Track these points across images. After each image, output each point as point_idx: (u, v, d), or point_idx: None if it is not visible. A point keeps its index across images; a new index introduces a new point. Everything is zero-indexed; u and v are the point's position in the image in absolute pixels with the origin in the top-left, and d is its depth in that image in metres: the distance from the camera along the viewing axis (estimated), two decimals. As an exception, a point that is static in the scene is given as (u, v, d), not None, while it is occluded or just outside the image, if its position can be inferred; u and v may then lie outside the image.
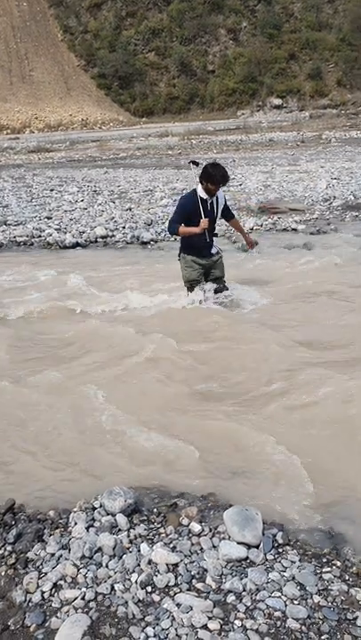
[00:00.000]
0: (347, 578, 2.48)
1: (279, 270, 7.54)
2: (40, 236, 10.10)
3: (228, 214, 5.80)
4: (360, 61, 66.93)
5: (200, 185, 5.32)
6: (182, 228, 5.38)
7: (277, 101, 66.97)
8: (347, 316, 5.69)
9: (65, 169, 22.46)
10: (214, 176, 5.14)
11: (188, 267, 5.72)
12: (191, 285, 5.81)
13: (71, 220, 11.41)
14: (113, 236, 9.95)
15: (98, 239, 9.81)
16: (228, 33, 74.41)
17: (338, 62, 68.30)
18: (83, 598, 2.40)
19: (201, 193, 5.30)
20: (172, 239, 5.61)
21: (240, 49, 71.86)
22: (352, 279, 6.94)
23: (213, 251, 5.68)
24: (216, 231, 5.76)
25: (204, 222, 5.27)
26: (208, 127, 45.03)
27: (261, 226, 10.27)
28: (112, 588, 2.46)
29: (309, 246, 8.70)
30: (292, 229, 10.10)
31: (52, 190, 15.81)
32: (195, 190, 5.38)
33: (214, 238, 5.70)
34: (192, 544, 2.70)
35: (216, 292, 5.83)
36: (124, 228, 10.43)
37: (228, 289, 5.92)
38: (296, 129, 38.40)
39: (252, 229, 10.03)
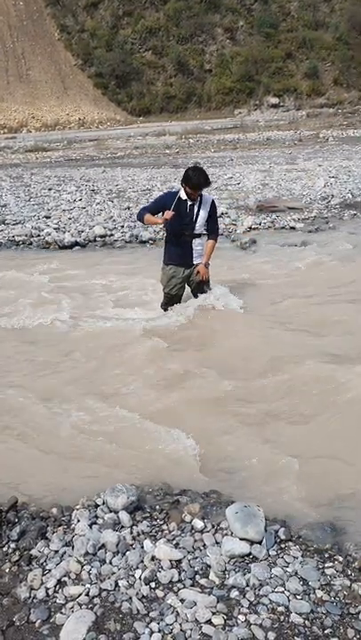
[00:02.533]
0: (349, 573, 2.50)
1: (277, 267, 7.56)
2: (39, 236, 10.08)
3: (209, 230, 5.40)
4: (357, 60, 66.89)
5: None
6: (148, 217, 5.30)
7: (274, 100, 66.88)
8: (343, 313, 5.72)
9: (63, 168, 22.43)
10: (191, 179, 5.04)
11: (166, 279, 5.56)
12: (168, 298, 5.66)
13: (70, 219, 11.39)
14: (112, 235, 9.95)
15: (97, 238, 9.79)
16: (225, 32, 74.26)
17: (335, 61, 68.23)
18: (87, 594, 2.41)
19: (182, 193, 5.19)
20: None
21: (237, 48, 71.73)
22: (350, 276, 6.97)
23: (196, 261, 5.44)
24: (200, 239, 5.40)
25: (167, 213, 5.09)
26: (205, 126, 44.97)
27: (260, 224, 10.28)
28: (116, 584, 2.47)
29: (307, 244, 8.72)
30: (291, 227, 10.13)
31: (50, 189, 15.78)
32: (178, 191, 5.28)
33: (200, 248, 5.40)
34: (195, 540, 2.72)
35: (197, 294, 5.63)
36: (122, 227, 10.43)
37: (209, 289, 5.64)
38: (293, 128, 38.40)
39: (250, 228, 10.04)
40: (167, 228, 5.34)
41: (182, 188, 5.21)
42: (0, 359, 5.06)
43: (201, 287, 5.63)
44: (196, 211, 5.25)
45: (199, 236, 5.39)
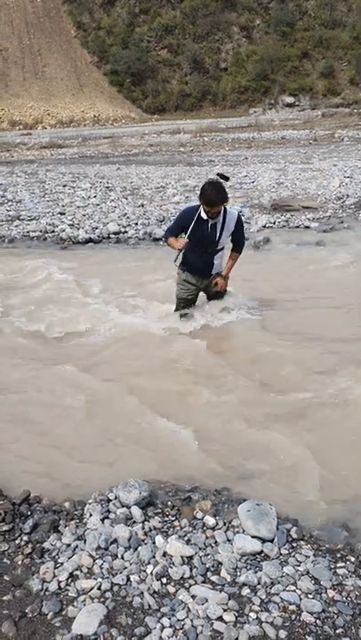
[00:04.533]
0: (361, 573, 2.49)
1: (292, 267, 7.54)
2: (53, 232, 10.13)
3: (234, 242, 5.20)
4: (374, 60, 66.47)
5: None
6: (171, 240, 5.02)
7: (290, 99, 66.71)
8: (355, 316, 5.70)
9: (77, 165, 22.49)
10: (203, 194, 4.68)
11: (179, 284, 5.37)
12: (179, 304, 5.48)
13: (84, 215, 11.43)
14: (125, 232, 9.97)
15: (110, 235, 9.83)
16: (241, 30, 74.21)
17: (351, 60, 67.86)
18: (99, 588, 2.42)
19: (202, 212, 4.83)
20: (183, 235, 5.40)
21: (253, 46, 71.62)
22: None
23: (215, 272, 5.25)
24: (222, 252, 5.19)
25: (180, 242, 4.88)
26: (220, 124, 44.90)
27: (274, 223, 10.25)
28: (128, 578, 2.48)
29: (322, 244, 8.69)
30: (305, 227, 10.08)
31: (64, 186, 15.85)
32: (199, 206, 4.89)
33: (220, 261, 5.22)
34: (206, 537, 2.72)
35: (210, 299, 5.49)
36: (136, 224, 10.44)
37: (222, 297, 5.49)
38: (308, 127, 38.19)
39: (264, 226, 10.02)
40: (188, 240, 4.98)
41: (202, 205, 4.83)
42: (18, 356, 5.09)
43: (217, 297, 5.48)
44: (218, 230, 4.94)
45: (222, 249, 5.16)
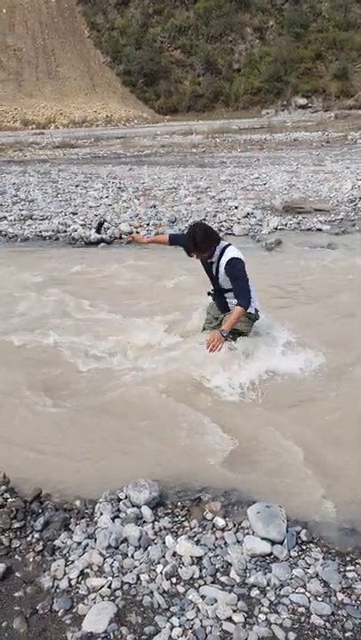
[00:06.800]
0: (371, 577, 2.49)
1: (303, 270, 7.51)
2: (65, 231, 10.18)
3: (234, 293, 4.46)
4: (387, 62, 66.18)
5: None
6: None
7: (302, 101, 66.61)
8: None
9: (90, 165, 22.57)
10: (184, 246, 4.40)
11: (206, 311, 4.98)
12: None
13: (96, 215, 11.47)
14: (138, 232, 9.99)
15: (122, 235, 9.86)
16: (255, 31, 74.15)
17: (365, 62, 67.67)
18: (109, 587, 2.44)
19: None
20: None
21: (266, 48, 71.54)
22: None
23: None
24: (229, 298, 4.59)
25: (136, 236, 4.99)
26: (232, 125, 44.86)
27: (286, 225, 10.24)
28: (138, 577, 2.50)
29: (334, 246, 8.66)
30: (317, 229, 10.05)
31: (77, 186, 15.92)
32: None
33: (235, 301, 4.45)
34: (216, 538, 2.73)
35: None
36: (148, 225, 10.47)
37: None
38: (321, 129, 38.06)
39: (276, 228, 10.00)
40: None
41: None
42: (28, 360, 5.12)
43: None
44: (215, 269, 4.49)
45: (231, 290, 4.53)
